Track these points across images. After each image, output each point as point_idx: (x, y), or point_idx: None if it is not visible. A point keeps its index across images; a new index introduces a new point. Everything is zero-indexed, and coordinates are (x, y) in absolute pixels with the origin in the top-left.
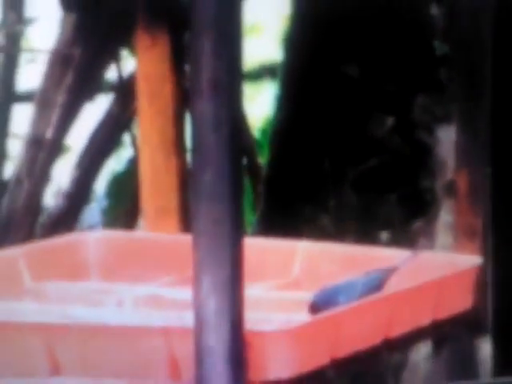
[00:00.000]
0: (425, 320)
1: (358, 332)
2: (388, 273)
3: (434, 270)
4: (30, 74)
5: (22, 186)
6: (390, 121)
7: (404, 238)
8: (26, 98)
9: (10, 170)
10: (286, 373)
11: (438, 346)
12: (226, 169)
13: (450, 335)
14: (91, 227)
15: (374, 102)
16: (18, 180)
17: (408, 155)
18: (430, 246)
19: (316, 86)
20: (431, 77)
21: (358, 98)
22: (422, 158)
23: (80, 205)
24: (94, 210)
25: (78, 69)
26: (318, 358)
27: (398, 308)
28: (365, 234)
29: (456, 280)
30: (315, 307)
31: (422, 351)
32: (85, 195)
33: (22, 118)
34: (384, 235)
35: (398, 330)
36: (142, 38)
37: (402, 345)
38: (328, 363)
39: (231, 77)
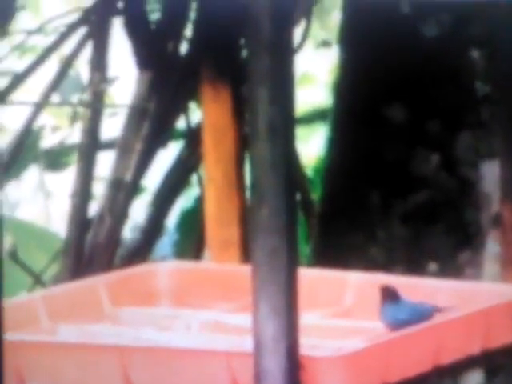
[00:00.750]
0: (475, 348)
1: (408, 358)
2: (438, 309)
3: (483, 299)
4: (112, 126)
5: (104, 222)
6: (435, 158)
7: (451, 268)
8: (108, 146)
9: (94, 208)
10: None
11: (490, 376)
12: (282, 204)
13: (503, 365)
14: (163, 258)
15: (420, 140)
16: (100, 217)
17: (453, 189)
18: (478, 275)
19: (364, 127)
20: (474, 116)
21: (404, 138)
22: (467, 192)
23: (153, 238)
24: (165, 243)
25: (153, 120)
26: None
27: (448, 335)
28: (413, 264)
29: (505, 309)
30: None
31: (473, 380)
32: (158, 230)
33: (105, 163)
34: (432, 266)
35: (448, 357)
36: (207, 92)
37: (452, 372)
38: None
39: (285, 120)
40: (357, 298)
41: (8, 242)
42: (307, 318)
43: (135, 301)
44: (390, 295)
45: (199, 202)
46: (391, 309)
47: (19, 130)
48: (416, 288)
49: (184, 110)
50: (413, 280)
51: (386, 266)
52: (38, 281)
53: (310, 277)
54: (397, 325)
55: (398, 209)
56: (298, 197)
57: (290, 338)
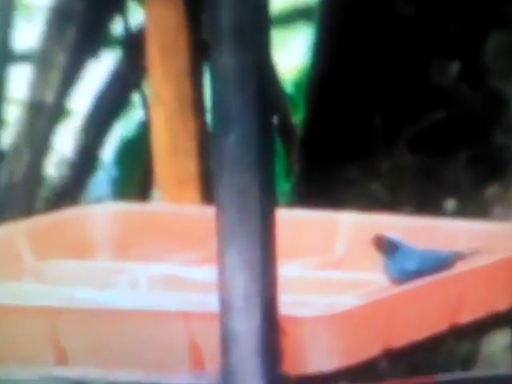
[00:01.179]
0: (502, 304)
1: (418, 317)
2: (459, 256)
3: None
4: (27, 33)
5: (21, 156)
6: (454, 67)
7: (475, 206)
8: (23, 58)
9: (7, 138)
10: (327, 365)
11: None
12: (254, 130)
13: None
14: (99, 200)
15: (435, 44)
16: (16, 149)
17: (478, 107)
18: (508, 215)
19: (363, 28)
20: (505, 10)
21: (413, 41)
22: (497, 109)
23: (86, 175)
24: (101, 181)
25: (80, 24)
26: (368, 348)
27: (469, 289)
28: (426, 202)
29: None
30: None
31: (499, 341)
32: (91, 164)
33: (19, 80)
34: (450, 204)
35: (469, 315)
36: None
37: (473, 333)
38: (380, 354)
39: (257, 22)
40: (351, 244)
41: None
42: (289, 270)
43: (64, 253)
44: (386, 247)
45: (144, 128)
46: (396, 259)
47: None
48: (430, 232)
49: (121, 10)
50: (425, 222)
51: (390, 205)
52: None
53: (291, 220)
54: (406, 278)
55: (405, 133)
56: (275, 120)
57: (266, 294)
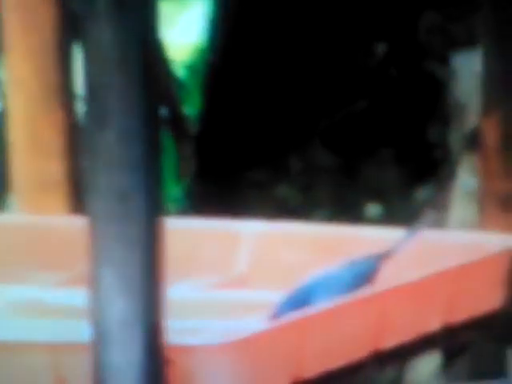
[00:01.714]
0: (432, 324)
1: (333, 343)
2: (380, 260)
3: (447, 255)
4: None
5: None
6: (380, 47)
7: (404, 211)
8: None
9: None
10: None
11: (450, 359)
12: (136, 123)
13: (469, 345)
14: None
15: (357, 22)
16: None
17: (409, 94)
18: (442, 220)
19: (269, 3)
20: None
21: (331, 18)
22: (430, 97)
23: None
24: None
25: None
26: (274, 381)
27: (394, 309)
28: (345, 207)
29: (480, 269)
30: (280, 314)
31: (426, 367)
32: None
33: None
34: (373, 209)
35: (394, 338)
36: None
37: (398, 358)
38: None
39: None
40: (255, 259)
41: None
42: (181, 291)
43: None
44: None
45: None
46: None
47: None
48: (349, 241)
49: None
50: (343, 230)
51: (301, 210)
52: None
53: (184, 231)
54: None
55: (319, 126)
56: (162, 110)
57: (150, 320)
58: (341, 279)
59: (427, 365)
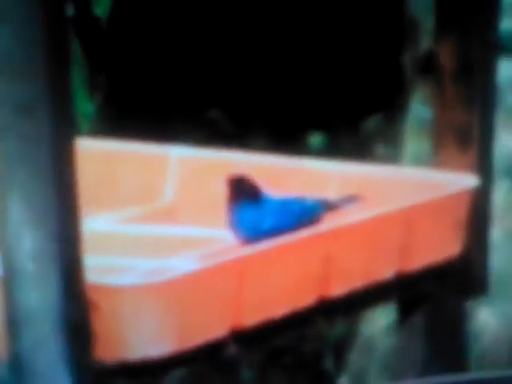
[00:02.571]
0: (385, 272)
1: (275, 288)
2: (329, 207)
3: (399, 194)
4: None
5: None
6: None
7: (350, 142)
8: None
9: None
10: (156, 349)
11: (404, 313)
12: (36, 23)
13: (424, 296)
14: None
15: None
16: None
17: (360, 12)
18: (394, 157)
19: None
20: None
21: None
22: (383, 16)
23: None
24: None
25: None
26: (210, 327)
27: (343, 252)
28: (284, 136)
29: (436, 211)
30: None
31: (379, 321)
32: None
33: None
34: (316, 139)
35: (342, 285)
36: None
37: (347, 309)
38: (226, 335)
39: None
40: (183, 187)
41: None
42: (100, 224)
43: None
44: (244, 192)
45: None
46: (247, 211)
47: None
48: (290, 174)
49: None
50: (285, 161)
51: (235, 136)
52: None
53: (101, 153)
54: (256, 236)
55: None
56: (70, 11)
57: (66, 255)
58: (290, 209)
59: (381, 318)
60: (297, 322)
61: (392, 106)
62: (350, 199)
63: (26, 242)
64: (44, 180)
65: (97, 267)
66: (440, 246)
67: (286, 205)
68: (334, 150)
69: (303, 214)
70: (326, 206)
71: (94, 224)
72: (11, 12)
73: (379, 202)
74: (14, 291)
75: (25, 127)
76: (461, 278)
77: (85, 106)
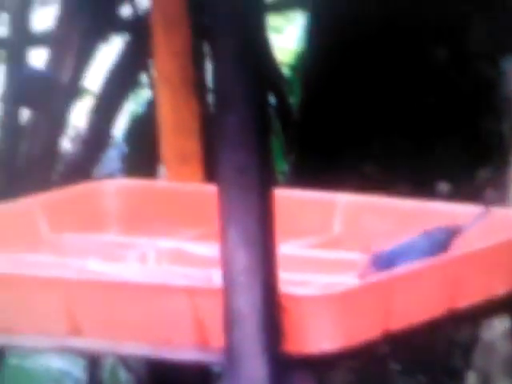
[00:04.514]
0: (499, 289)
1: (416, 300)
2: (453, 232)
3: (508, 228)
4: (44, 16)
5: (39, 130)
6: (442, 52)
7: (467, 189)
8: (40, 40)
9: (26, 115)
10: (329, 345)
11: None
12: (252, 109)
13: None
14: (110, 175)
15: (423, 29)
16: (35, 124)
17: (468, 91)
18: (501, 198)
19: (353, 15)
20: None
21: (403, 26)
22: (485, 94)
23: (98, 151)
24: (112, 157)
25: (92, 9)
26: (368, 330)
27: (466, 273)
28: (419, 184)
29: None
30: (367, 273)
31: (498, 328)
32: (103, 140)
33: (38, 61)
34: (443, 186)
35: (466, 299)
36: None
37: (471, 318)
38: (380, 336)
39: (252, 6)
40: (348, 224)
41: None
42: (287, 248)
43: (78, 226)
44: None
45: (151, 106)
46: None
47: None
48: (423, 213)
49: None
50: (418, 203)
51: (384, 186)
52: None
53: (289, 199)
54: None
55: (398, 114)
56: (273, 101)
57: (267, 271)
58: (418, 246)
59: (499, 326)
60: (432, 327)
61: (497, 160)
62: (477, 218)
63: (239, 261)
64: (254, 216)
65: (287, 281)
66: None
67: (414, 243)
68: (455, 194)
69: (431, 248)
70: (455, 231)
71: (284, 248)
72: (238, 102)
73: (494, 235)
74: (229, 298)
75: (241, 182)
76: None
77: (281, 164)
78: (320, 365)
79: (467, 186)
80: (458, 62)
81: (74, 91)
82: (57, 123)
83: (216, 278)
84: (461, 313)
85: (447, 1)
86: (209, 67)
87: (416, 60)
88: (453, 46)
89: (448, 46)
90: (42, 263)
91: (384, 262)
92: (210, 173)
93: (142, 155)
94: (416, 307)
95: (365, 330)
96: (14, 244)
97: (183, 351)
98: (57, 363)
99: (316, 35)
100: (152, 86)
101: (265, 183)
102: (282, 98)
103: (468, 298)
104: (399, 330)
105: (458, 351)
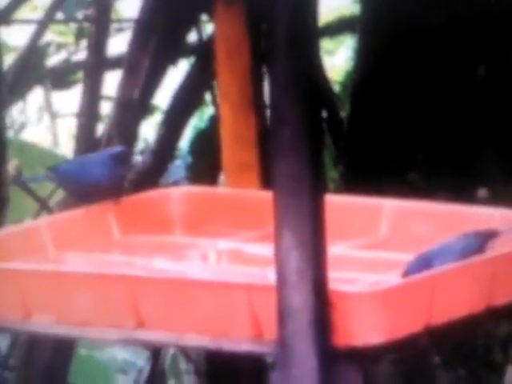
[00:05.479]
0: None
1: (456, 297)
2: (490, 236)
3: None
4: (119, 42)
5: (113, 144)
6: (481, 69)
7: (506, 195)
8: (115, 63)
9: (102, 129)
10: (374, 338)
11: None
12: (305, 123)
13: None
14: (176, 183)
15: (463, 45)
16: (108, 138)
17: (505, 105)
18: None
19: (397, 37)
20: None
21: (444, 45)
22: None
23: (165, 161)
24: (178, 167)
25: (161, 34)
26: (411, 325)
27: (504, 272)
28: (459, 190)
29: None
30: (410, 272)
31: None
32: (170, 152)
33: (112, 81)
34: (482, 192)
35: (504, 297)
36: (219, 1)
37: (508, 315)
38: (422, 331)
39: (306, 33)
40: (393, 227)
41: (13, 165)
42: (336, 249)
43: (146, 228)
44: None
45: (213, 121)
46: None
47: (23, 49)
48: (463, 217)
49: (195, 22)
50: (459, 208)
51: (427, 192)
52: (43, 206)
53: (338, 204)
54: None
55: (440, 126)
56: (324, 115)
57: (317, 270)
58: (455, 249)
59: None
60: (471, 322)
61: None
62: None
63: (292, 261)
64: (306, 220)
65: (336, 279)
66: None
67: (452, 245)
68: (493, 200)
69: (468, 250)
70: (492, 235)
71: (334, 249)
72: (292, 117)
73: None
74: (283, 295)
75: (295, 189)
76: None
77: (332, 173)
78: (366, 357)
79: (505, 192)
80: (498, 76)
81: (143, 108)
82: (128, 136)
83: (271, 276)
84: (499, 309)
85: (493, 22)
86: (266, 86)
87: (458, 75)
88: (493, 61)
89: (489, 62)
90: (113, 262)
91: (424, 262)
92: (267, 181)
93: (205, 165)
94: (456, 304)
95: (408, 324)
96: (89, 245)
97: (240, 343)
98: (122, 354)
99: (364, 55)
100: (215, 103)
101: (316, 190)
102: (333, 113)
103: (505, 295)
104: (440, 325)
105: (497, 345)
